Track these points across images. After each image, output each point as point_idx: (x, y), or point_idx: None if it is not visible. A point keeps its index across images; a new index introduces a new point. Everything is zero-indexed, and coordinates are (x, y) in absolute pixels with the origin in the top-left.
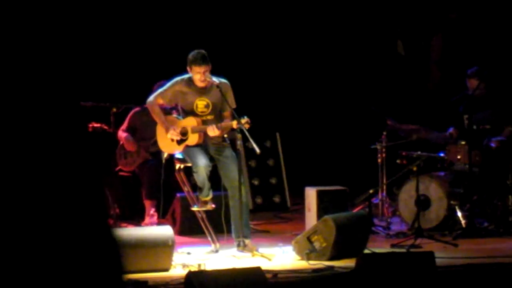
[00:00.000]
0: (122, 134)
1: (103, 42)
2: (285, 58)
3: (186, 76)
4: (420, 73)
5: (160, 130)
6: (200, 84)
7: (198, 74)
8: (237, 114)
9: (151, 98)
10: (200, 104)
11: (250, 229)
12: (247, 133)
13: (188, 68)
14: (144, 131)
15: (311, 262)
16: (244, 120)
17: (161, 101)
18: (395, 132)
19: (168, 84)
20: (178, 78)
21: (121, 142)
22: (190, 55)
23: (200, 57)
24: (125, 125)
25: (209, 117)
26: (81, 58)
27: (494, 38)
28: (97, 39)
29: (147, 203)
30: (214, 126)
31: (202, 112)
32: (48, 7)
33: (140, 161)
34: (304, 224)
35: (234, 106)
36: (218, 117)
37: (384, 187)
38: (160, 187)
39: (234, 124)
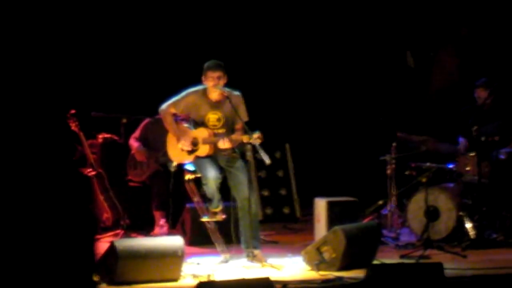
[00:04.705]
0: (134, 143)
1: (114, 54)
2: (295, 69)
3: (200, 88)
4: (423, 84)
5: (171, 139)
6: (212, 93)
7: (212, 80)
8: (248, 125)
9: (163, 106)
10: (212, 117)
11: (259, 240)
12: (257, 144)
13: (202, 77)
14: (155, 142)
15: (321, 272)
16: (256, 135)
17: (173, 110)
18: (404, 144)
19: (182, 94)
20: (192, 89)
21: (132, 151)
22: (206, 63)
23: (217, 64)
24: (137, 133)
25: (220, 131)
26: (93, 70)
27: (502, 49)
28: (109, 51)
29: (157, 214)
30: (226, 139)
31: (213, 125)
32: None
33: (150, 171)
34: (313, 235)
35: (246, 119)
36: (229, 131)
37: (394, 198)
38: (170, 198)
39: (245, 138)
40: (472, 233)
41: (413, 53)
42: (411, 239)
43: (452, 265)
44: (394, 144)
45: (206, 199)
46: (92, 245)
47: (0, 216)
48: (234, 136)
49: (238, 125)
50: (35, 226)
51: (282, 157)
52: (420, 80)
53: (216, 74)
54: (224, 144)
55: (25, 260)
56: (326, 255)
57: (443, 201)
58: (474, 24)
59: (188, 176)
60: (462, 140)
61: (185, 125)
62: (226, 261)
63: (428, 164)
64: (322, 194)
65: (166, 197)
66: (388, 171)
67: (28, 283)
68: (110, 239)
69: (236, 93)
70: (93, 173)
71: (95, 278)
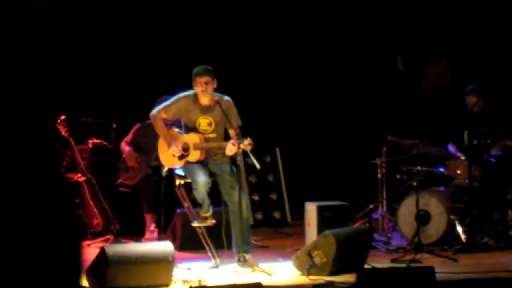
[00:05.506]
0: (125, 147)
1: (104, 60)
2: (284, 73)
3: (191, 92)
4: (413, 88)
5: (162, 144)
6: (203, 98)
7: (200, 86)
8: (240, 130)
9: (154, 111)
10: (203, 122)
11: (250, 245)
12: (247, 149)
13: (193, 83)
14: (146, 146)
15: (312, 277)
16: (247, 141)
17: (164, 115)
18: (395, 147)
19: (173, 99)
20: (183, 94)
21: (123, 155)
22: (195, 68)
23: (204, 69)
24: (129, 137)
25: (211, 135)
26: (83, 75)
27: (491, 53)
28: (98, 56)
29: (148, 217)
30: (230, 145)
31: (204, 130)
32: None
33: (141, 175)
34: (304, 239)
35: (239, 123)
36: (221, 135)
37: (384, 202)
38: (161, 202)
39: (236, 146)
40: (463, 236)
41: (403, 58)
42: (402, 243)
43: (443, 269)
44: (384, 148)
45: (196, 204)
46: (78, 252)
47: None
48: (232, 142)
49: (231, 131)
50: (21, 232)
51: (272, 161)
52: (410, 84)
53: (204, 79)
54: (230, 151)
55: (10, 267)
56: (317, 260)
57: (434, 205)
58: (465, 29)
59: (178, 181)
60: (451, 145)
61: (176, 130)
62: (217, 266)
63: (418, 167)
64: (312, 199)
65: (156, 201)
66: (379, 175)
67: None
68: (101, 244)
69: (227, 98)
70: (83, 178)
71: (85, 284)
